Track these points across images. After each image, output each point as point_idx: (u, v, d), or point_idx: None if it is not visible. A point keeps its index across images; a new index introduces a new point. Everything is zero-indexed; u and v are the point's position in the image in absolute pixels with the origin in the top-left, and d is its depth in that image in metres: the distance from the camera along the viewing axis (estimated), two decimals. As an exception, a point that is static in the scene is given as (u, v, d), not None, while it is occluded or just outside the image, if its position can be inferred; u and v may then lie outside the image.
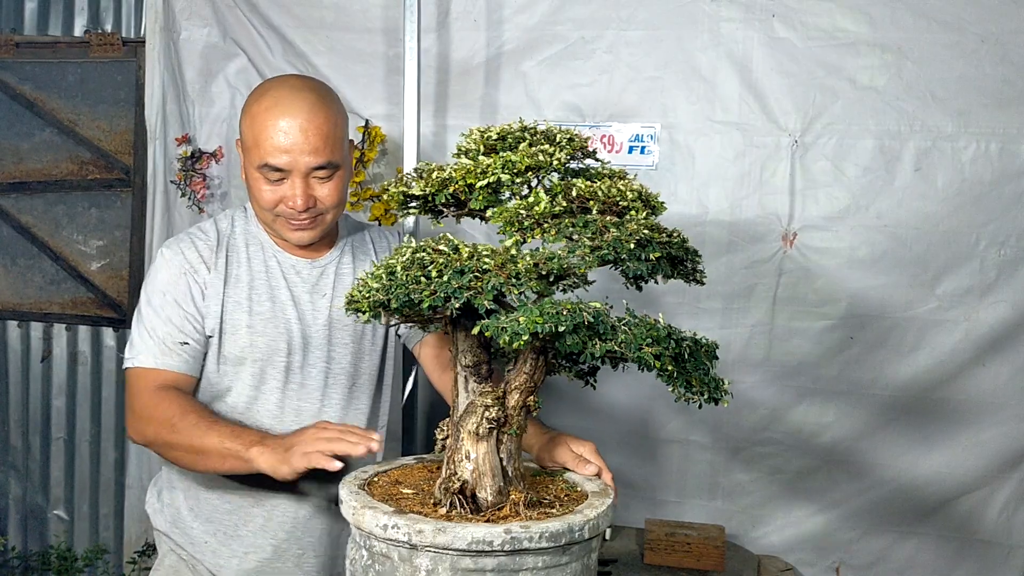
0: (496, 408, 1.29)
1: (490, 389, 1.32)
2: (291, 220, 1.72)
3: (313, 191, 1.70)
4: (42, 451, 3.30)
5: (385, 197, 1.50)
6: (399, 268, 1.24)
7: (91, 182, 3.15)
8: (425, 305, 1.20)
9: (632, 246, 1.26)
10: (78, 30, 3.14)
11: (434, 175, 1.39)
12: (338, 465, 1.42)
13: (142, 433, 1.69)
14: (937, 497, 2.55)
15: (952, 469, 2.53)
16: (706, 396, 1.30)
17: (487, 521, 1.24)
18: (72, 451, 3.28)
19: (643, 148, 2.64)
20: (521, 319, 1.13)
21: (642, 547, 2.46)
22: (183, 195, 2.87)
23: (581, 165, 1.51)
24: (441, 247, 1.26)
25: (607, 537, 1.40)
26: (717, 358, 1.38)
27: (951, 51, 2.44)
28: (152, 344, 1.71)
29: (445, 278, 1.20)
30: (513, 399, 1.31)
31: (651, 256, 1.28)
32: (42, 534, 3.33)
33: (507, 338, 1.12)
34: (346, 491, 1.35)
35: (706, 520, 2.63)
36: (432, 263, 1.23)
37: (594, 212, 1.33)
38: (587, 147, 1.50)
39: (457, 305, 1.19)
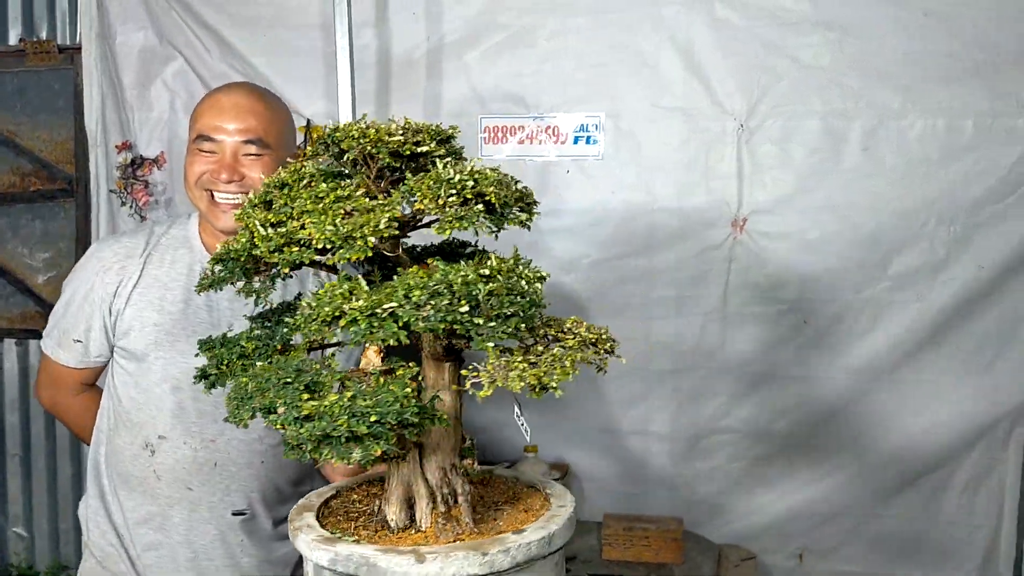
0: None
1: None
2: (220, 198, 1.73)
3: (242, 167, 1.73)
4: (-3, 469, 3.26)
5: None
6: None
7: (34, 194, 3.09)
8: None
9: None
10: (12, 39, 3.07)
11: None
12: None
13: (40, 398, 1.96)
14: (898, 479, 2.53)
15: (912, 450, 2.51)
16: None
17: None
18: (28, 467, 3.23)
19: (589, 138, 2.60)
20: None
21: (601, 542, 2.43)
22: (124, 204, 2.81)
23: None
24: None
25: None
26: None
27: (895, 26, 2.40)
28: (55, 334, 1.85)
29: None
30: None
31: None
32: (2, 552, 3.28)
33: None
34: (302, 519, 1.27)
35: (668, 510, 2.60)
36: None
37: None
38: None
39: None
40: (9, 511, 3.26)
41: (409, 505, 1.20)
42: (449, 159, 1.14)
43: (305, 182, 1.14)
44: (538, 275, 1.08)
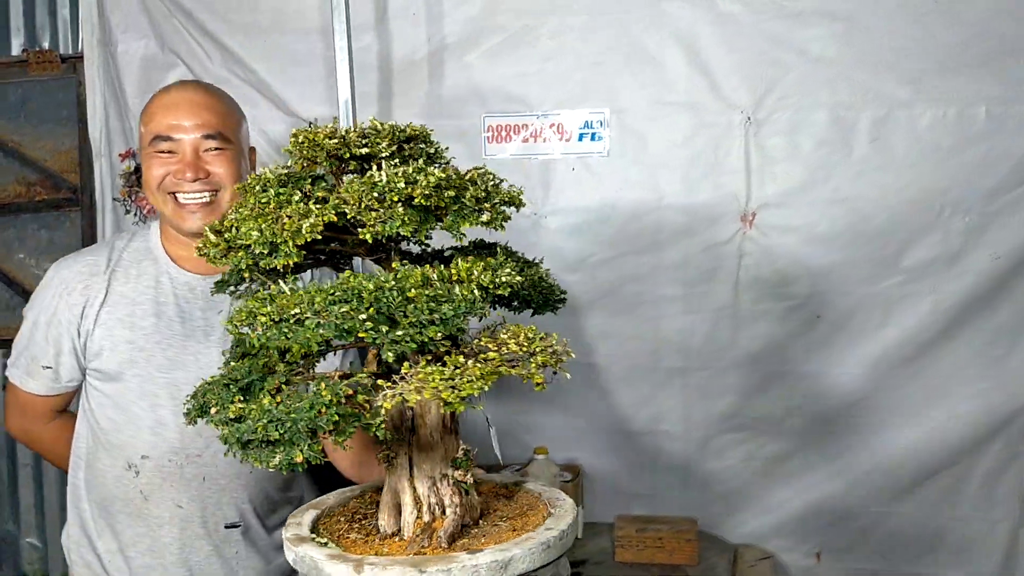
0: None
1: None
2: (185, 199, 1.69)
3: (205, 164, 1.69)
4: (10, 478, 3.25)
5: None
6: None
7: (39, 203, 3.09)
8: None
9: None
10: (15, 49, 3.07)
11: None
12: None
13: (11, 430, 1.91)
14: (915, 475, 2.48)
15: (928, 445, 2.46)
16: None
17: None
18: (40, 477, 3.23)
19: (594, 135, 2.57)
20: None
21: (613, 544, 2.40)
22: (128, 212, 2.80)
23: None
24: None
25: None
26: None
27: (901, 16, 2.36)
28: (23, 362, 1.80)
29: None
30: None
31: None
32: (16, 562, 3.28)
33: None
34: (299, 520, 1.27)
35: (681, 511, 2.56)
36: None
37: None
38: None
39: None
40: (22, 521, 3.26)
41: (399, 512, 1.18)
42: (395, 161, 1.11)
43: (259, 187, 1.13)
44: (494, 281, 1.05)
